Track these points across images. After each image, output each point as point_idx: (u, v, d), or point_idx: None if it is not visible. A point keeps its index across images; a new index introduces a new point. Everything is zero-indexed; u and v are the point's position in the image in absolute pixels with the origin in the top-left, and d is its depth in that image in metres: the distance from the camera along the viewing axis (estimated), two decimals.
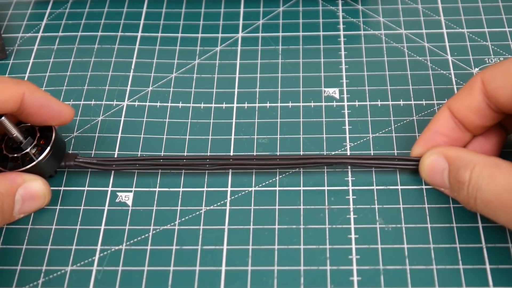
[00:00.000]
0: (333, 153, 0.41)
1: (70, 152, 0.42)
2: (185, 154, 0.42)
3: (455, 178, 0.36)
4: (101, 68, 0.47)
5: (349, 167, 0.41)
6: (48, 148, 0.39)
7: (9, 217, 0.38)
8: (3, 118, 0.38)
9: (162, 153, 0.42)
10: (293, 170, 0.41)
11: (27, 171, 0.39)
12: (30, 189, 0.38)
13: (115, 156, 0.42)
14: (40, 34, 0.50)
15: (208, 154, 0.42)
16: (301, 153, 0.42)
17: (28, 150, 0.39)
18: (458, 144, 0.39)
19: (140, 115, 0.44)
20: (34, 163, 0.39)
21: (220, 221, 0.39)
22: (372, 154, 0.41)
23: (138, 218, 0.39)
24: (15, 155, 0.39)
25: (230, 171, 0.41)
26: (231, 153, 0.42)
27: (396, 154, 0.41)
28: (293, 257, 0.37)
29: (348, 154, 0.41)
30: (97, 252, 0.38)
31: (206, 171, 0.41)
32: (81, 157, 0.40)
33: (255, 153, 0.42)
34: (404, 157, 0.40)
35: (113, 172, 0.41)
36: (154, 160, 0.40)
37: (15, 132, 0.39)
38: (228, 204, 0.39)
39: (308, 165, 0.40)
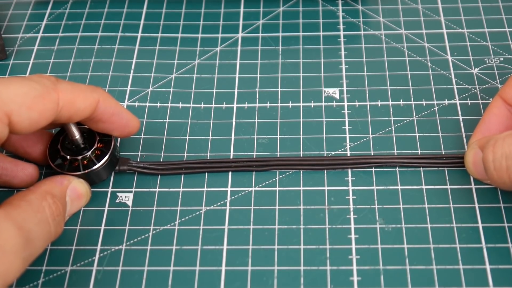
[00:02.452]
0: (374, 153, 0.42)
1: (122, 157, 0.41)
2: (232, 155, 0.42)
3: (483, 161, 0.36)
4: (101, 69, 0.47)
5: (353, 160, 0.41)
6: (109, 154, 0.39)
7: (65, 220, 0.37)
8: None
9: (185, 154, 0.42)
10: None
11: (86, 175, 0.39)
12: (76, 189, 0.38)
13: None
14: (40, 35, 0.50)
15: (254, 153, 0.42)
16: (349, 153, 0.42)
17: (88, 154, 0.39)
18: None
19: (140, 115, 0.44)
20: (94, 167, 0.39)
21: (220, 221, 0.39)
22: (419, 153, 0.41)
23: (138, 218, 0.39)
24: (75, 157, 0.39)
25: (230, 172, 0.41)
26: (231, 154, 0.42)
27: (420, 153, 0.41)
28: (293, 257, 0.37)
29: (372, 154, 0.41)
30: (97, 252, 0.38)
31: (254, 171, 0.41)
32: (134, 161, 0.41)
33: (301, 153, 0.42)
34: (451, 155, 0.40)
35: (113, 172, 0.41)
36: (203, 163, 0.41)
37: (77, 135, 0.39)
38: (228, 204, 0.39)
39: (357, 165, 0.40)
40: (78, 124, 0.39)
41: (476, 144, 0.38)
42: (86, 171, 0.38)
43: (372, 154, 0.41)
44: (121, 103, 0.45)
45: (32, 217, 0.33)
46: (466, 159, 0.39)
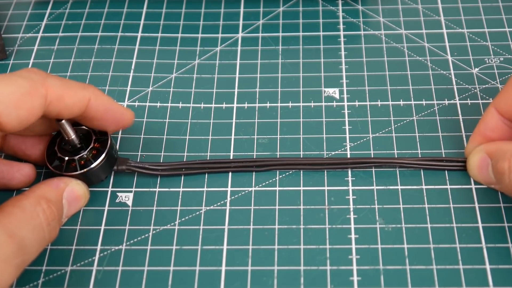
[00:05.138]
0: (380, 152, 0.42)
1: (120, 156, 0.41)
2: (232, 155, 0.42)
3: (496, 170, 0.36)
4: (101, 69, 0.47)
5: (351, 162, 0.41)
6: (105, 153, 0.39)
7: (60, 224, 0.37)
8: (63, 121, 0.37)
9: (185, 154, 0.42)
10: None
11: (84, 175, 0.38)
12: (73, 191, 0.38)
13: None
14: (40, 35, 0.50)
15: (254, 153, 0.42)
16: (349, 153, 0.42)
17: (85, 153, 0.39)
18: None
19: (140, 115, 0.44)
20: (91, 166, 0.38)
21: (220, 221, 0.39)
22: (419, 155, 0.41)
23: (138, 218, 0.39)
24: (72, 158, 0.39)
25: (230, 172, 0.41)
26: (231, 154, 0.42)
27: (420, 153, 0.41)
28: (293, 257, 0.37)
29: (372, 155, 0.41)
30: (97, 252, 0.38)
31: (254, 171, 0.41)
32: (132, 161, 0.41)
33: (302, 153, 0.42)
34: (452, 158, 0.40)
35: (113, 172, 0.41)
36: (202, 164, 0.41)
37: (73, 135, 0.38)
38: (228, 204, 0.39)
39: (357, 165, 0.40)
40: (74, 125, 0.39)
41: (482, 150, 0.38)
42: (83, 170, 0.38)
43: (372, 155, 0.41)
44: (121, 103, 0.45)
45: (25, 224, 0.33)
46: (469, 162, 0.39)
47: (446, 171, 0.40)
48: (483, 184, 0.39)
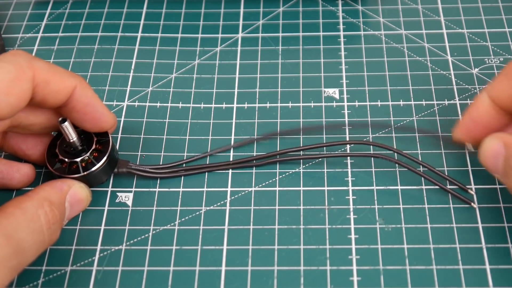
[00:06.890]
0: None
1: (121, 159, 0.41)
2: (232, 156, 0.42)
3: (508, 164, 0.35)
4: (101, 69, 0.47)
5: (349, 161, 0.41)
6: (107, 155, 0.39)
7: (61, 227, 0.37)
8: (66, 122, 0.37)
9: (185, 154, 0.42)
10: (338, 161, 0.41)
11: (86, 177, 0.38)
12: (76, 194, 0.38)
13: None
14: (40, 35, 0.50)
15: (254, 154, 0.42)
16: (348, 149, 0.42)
17: (87, 155, 0.39)
18: (498, 129, 0.38)
19: (140, 115, 0.44)
20: (93, 168, 0.38)
21: (220, 221, 0.39)
22: (419, 155, 0.41)
23: (138, 218, 0.39)
24: (73, 160, 0.38)
25: (230, 171, 0.41)
26: (231, 154, 0.42)
27: (420, 155, 0.41)
28: (293, 257, 0.37)
29: (371, 151, 0.41)
30: (97, 252, 0.38)
31: (254, 168, 0.41)
32: (133, 164, 0.40)
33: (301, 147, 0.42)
34: (455, 181, 0.40)
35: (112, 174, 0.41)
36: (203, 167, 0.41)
37: (74, 137, 0.38)
38: (228, 204, 0.39)
39: (357, 156, 0.40)
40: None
41: (500, 138, 0.36)
42: (85, 173, 0.38)
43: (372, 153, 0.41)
44: (121, 103, 0.45)
45: (25, 226, 0.33)
46: (483, 147, 0.37)
47: (446, 170, 0.40)
48: (489, 171, 0.38)
